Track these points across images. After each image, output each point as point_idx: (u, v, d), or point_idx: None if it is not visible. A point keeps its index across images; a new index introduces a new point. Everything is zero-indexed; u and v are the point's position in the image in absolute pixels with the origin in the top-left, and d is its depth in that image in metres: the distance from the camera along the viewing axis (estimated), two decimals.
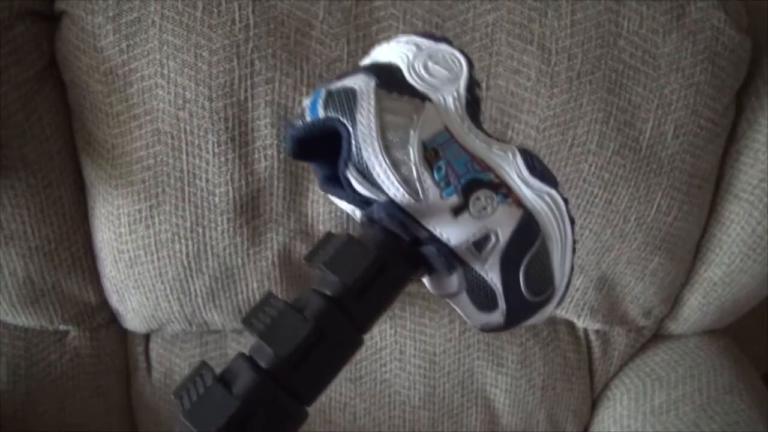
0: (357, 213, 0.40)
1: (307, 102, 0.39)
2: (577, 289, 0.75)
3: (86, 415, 0.75)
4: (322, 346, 0.33)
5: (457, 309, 0.40)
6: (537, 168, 0.38)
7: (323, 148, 0.39)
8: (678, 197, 0.69)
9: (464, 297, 0.38)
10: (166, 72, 0.59)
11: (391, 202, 0.36)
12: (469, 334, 0.78)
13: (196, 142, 0.61)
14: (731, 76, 0.66)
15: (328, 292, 0.35)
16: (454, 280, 0.37)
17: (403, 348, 0.77)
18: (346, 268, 0.34)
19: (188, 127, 0.61)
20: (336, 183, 0.39)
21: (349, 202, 0.39)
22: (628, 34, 0.63)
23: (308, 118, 0.38)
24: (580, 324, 0.80)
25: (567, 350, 0.81)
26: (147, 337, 0.77)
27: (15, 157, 0.62)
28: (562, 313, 0.78)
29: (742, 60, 0.66)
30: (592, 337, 0.82)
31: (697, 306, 0.78)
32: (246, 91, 0.60)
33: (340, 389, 0.77)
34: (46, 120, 0.63)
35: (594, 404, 0.84)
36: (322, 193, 0.65)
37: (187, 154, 0.62)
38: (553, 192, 0.38)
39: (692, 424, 0.76)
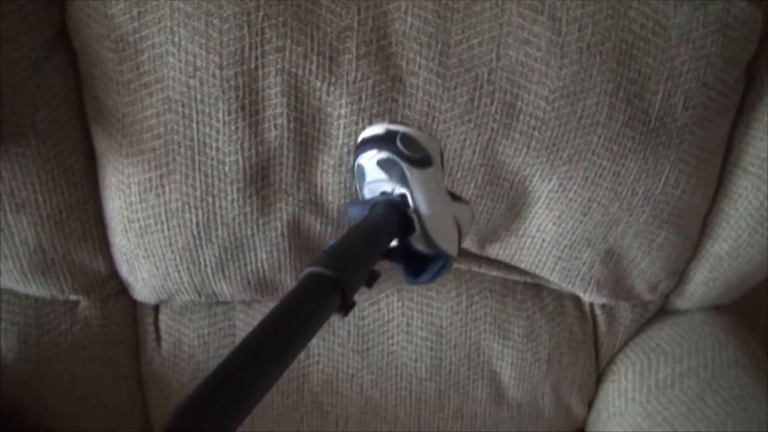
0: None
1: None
2: (584, 263, 0.75)
3: (96, 384, 0.76)
4: None
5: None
6: None
7: None
8: (686, 170, 0.69)
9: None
10: (176, 40, 0.59)
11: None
12: (476, 307, 0.78)
13: (207, 110, 0.62)
14: (742, 48, 0.66)
15: None
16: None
17: (410, 321, 0.78)
18: None
19: (199, 96, 0.61)
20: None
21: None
22: (639, 4, 0.62)
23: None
24: (586, 298, 0.81)
25: (573, 324, 0.81)
26: (156, 308, 0.77)
27: (26, 125, 0.62)
28: (568, 287, 0.78)
29: (753, 32, 0.66)
30: (598, 311, 0.82)
31: (703, 281, 0.79)
32: (256, 59, 0.60)
33: (347, 361, 0.78)
34: (56, 88, 0.63)
35: (599, 378, 0.85)
36: (332, 163, 0.65)
37: (198, 123, 0.62)
38: None
39: (697, 397, 0.77)
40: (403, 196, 0.48)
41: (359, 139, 0.51)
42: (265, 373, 0.32)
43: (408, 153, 0.48)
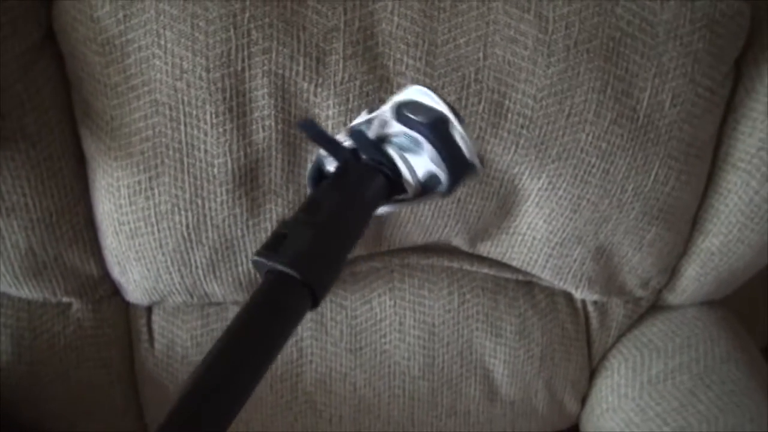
0: None
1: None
2: (575, 260, 0.75)
3: (90, 386, 0.76)
4: None
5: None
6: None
7: None
8: (676, 167, 0.69)
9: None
10: (163, 42, 0.59)
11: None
12: (468, 305, 0.79)
13: (194, 113, 0.62)
14: (730, 43, 0.66)
15: None
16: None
17: (402, 319, 0.78)
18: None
19: (186, 98, 0.61)
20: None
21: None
22: (626, 1, 0.62)
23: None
24: (578, 295, 0.81)
25: (565, 321, 0.81)
26: (149, 310, 0.78)
27: (15, 129, 0.62)
28: (560, 284, 0.79)
29: (741, 27, 0.66)
30: (590, 308, 0.82)
31: (695, 276, 0.79)
32: (243, 61, 0.60)
33: (340, 360, 0.78)
34: (44, 91, 0.63)
35: (592, 374, 0.85)
36: None
37: (186, 125, 0.62)
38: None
39: (689, 392, 0.77)
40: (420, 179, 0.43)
41: (440, 104, 0.43)
42: (230, 404, 0.30)
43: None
